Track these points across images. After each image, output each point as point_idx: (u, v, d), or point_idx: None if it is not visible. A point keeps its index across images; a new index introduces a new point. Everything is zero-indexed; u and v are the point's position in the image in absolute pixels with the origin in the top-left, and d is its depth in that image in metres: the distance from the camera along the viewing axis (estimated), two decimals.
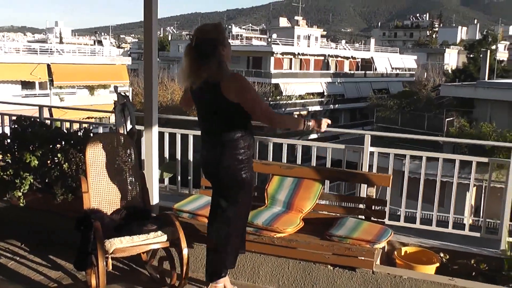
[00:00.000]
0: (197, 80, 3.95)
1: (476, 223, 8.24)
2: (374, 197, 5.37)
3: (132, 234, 4.20)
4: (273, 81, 49.40)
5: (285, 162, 6.03)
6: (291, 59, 53.54)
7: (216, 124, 4.04)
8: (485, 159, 5.78)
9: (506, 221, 5.51)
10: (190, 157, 6.70)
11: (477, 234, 5.75)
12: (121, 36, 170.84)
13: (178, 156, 6.71)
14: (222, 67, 3.92)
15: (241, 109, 3.91)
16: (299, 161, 6.19)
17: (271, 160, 6.20)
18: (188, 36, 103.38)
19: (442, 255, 5.35)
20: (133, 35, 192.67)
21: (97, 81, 42.16)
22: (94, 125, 7.61)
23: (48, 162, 5.70)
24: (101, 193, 4.73)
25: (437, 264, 5.16)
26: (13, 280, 4.81)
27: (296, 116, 50.50)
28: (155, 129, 5.60)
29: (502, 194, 5.53)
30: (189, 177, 6.76)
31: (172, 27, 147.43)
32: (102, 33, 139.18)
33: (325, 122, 4.14)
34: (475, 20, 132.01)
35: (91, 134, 5.86)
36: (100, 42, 74.47)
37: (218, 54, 3.92)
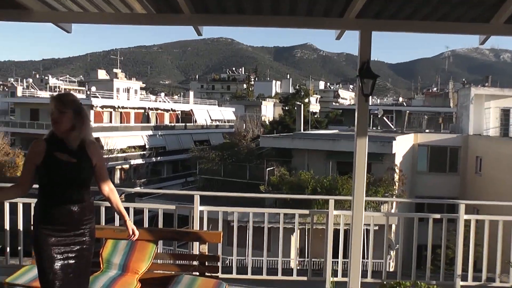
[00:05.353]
0: None
1: (303, 263, 8.78)
2: (206, 253, 5.62)
3: None
4: (94, 134, 48.34)
5: (117, 225, 6.11)
6: (111, 112, 53.02)
7: None
8: (306, 211, 6.33)
9: (329, 264, 6.04)
10: (20, 226, 6.50)
11: (304, 278, 6.22)
12: None
13: (7, 226, 6.48)
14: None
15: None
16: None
17: (103, 224, 6.24)
18: (2, 86, 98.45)
19: None
20: None
21: None
22: None
23: None
24: None
25: None
26: None
27: (121, 169, 49.92)
28: None
29: (324, 236, 6.11)
30: (19, 247, 6.54)
31: None
32: None
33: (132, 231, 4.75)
34: (288, 75, 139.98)
35: None
36: None
37: None
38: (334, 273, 6.18)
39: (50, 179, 4.11)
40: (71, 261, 4.09)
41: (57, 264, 4.06)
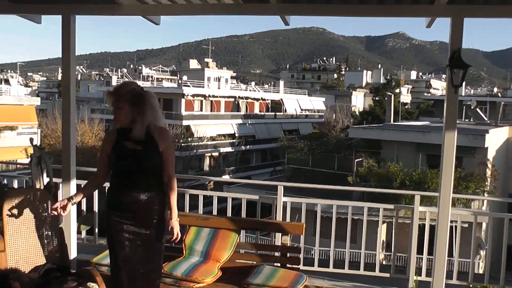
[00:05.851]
0: None
1: (388, 257, 8.58)
2: (288, 244, 5.59)
3: None
4: (184, 122, 49.41)
5: (201, 212, 6.18)
6: (202, 101, 53.78)
7: None
8: (391, 206, 6.15)
9: (413, 262, 5.86)
10: (96, 208, 6.69)
11: (387, 275, 6.06)
12: (29, 74, 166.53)
13: (96, 208, 6.71)
14: None
15: None
16: (215, 211, 6.35)
17: (187, 211, 6.32)
18: (98, 76, 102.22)
19: None
20: (41, 73, 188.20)
21: (3, 122, 40.85)
22: (7, 178, 7.45)
23: None
24: (19, 251, 4.70)
25: None
26: None
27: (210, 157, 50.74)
28: (74, 182, 5.65)
29: (409, 231, 5.92)
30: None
31: (82, 67, 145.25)
32: (9, 71, 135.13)
33: (176, 234, 4.23)
34: (379, 65, 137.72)
35: (6, 189, 5.81)
36: (7, 81, 72.26)
37: None
38: (418, 272, 5.98)
39: (118, 167, 4.20)
40: (139, 249, 4.13)
41: (125, 250, 4.14)
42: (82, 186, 4.66)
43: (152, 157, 4.13)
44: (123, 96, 4.07)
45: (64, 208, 4.25)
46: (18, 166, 29.21)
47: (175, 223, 4.22)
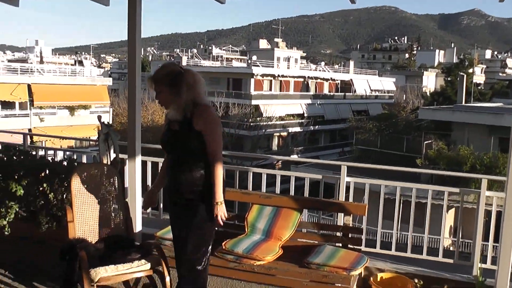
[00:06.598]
0: None
1: (454, 244, 8.38)
2: (350, 225, 5.55)
3: (117, 263, 4.33)
4: (253, 102, 49.60)
5: (264, 191, 6.20)
6: (271, 81, 53.78)
7: None
8: (456, 190, 6.00)
9: (478, 248, 5.70)
10: (149, 182, 6.79)
11: (451, 261, 5.92)
12: (102, 55, 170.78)
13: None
14: None
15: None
16: (277, 190, 6.36)
17: (251, 189, 6.36)
18: (168, 56, 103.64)
19: (416, 280, 5.52)
20: (113, 54, 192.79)
21: (78, 101, 42.20)
22: (77, 153, 7.68)
23: (34, 191, 5.81)
24: (86, 222, 4.86)
25: None
26: None
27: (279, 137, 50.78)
28: (139, 159, 5.77)
29: (475, 216, 5.74)
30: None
31: (152, 48, 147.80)
32: (83, 53, 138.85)
33: (224, 215, 4.01)
34: (452, 44, 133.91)
35: (76, 164, 5.99)
36: (80, 62, 74.33)
37: None
38: (483, 259, 5.81)
39: (163, 149, 4.28)
40: (183, 231, 4.11)
41: (174, 231, 4.25)
42: (159, 174, 4.64)
43: (188, 137, 3.99)
44: (160, 79, 4.04)
45: (152, 201, 4.44)
46: (91, 143, 30.13)
47: (218, 207, 3.96)
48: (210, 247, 4.17)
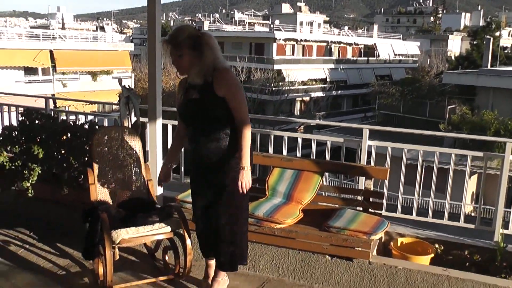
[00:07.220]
0: None
1: (476, 210, 8.31)
2: (371, 189, 5.51)
3: (138, 225, 4.37)
4: (276, 67, 49.37)
5: (285, 154, 6.18)
6: (293, 45, 53.40)
7: None
8: (480, 153, 5.92)
9: (499, 214, 5.64)
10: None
11: (472, 226, 5.87)
12: (123, 21, 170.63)
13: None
14: None
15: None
16: (299, 153, 6.33)
17: (272, 152, 6.34)
18: (190, 21, 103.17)
19: (437, 246, 5.49)
20: (135, 20, 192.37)
21: (100, 67, 42.35)
22: (99, 117, 7.72)
23: (55, 153, 5.85)
24: (107, 185, 4.90)
25: (432, 255, 5.31)
26: (22, 267, 4.98)
27: (301, 101, 50.56)
28: (159, 122, 5.78)
29: (498, 181, 5.67)
30: None
31: (174, 13, 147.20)
32: (104, 19, 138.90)
33: (248, 182, 3.90)
34: (479, 6, 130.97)
35: (97, 127, 6.02)
36: (102, 28, 74.42)
37: None
38: (505, 225, 5.74)
39: (181, 116, 4.16)
40: (208, 200, 4.11)
41: (196, 200, 4.25)
42: (169, 147, 4.60)
43: (211, 104, 3.87)
44: (181, 42, 3.83)
45: (167, 176, 4.43)
46: (113, 107, 30.29)
47: (244, 172, 3.84)
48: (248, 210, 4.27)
